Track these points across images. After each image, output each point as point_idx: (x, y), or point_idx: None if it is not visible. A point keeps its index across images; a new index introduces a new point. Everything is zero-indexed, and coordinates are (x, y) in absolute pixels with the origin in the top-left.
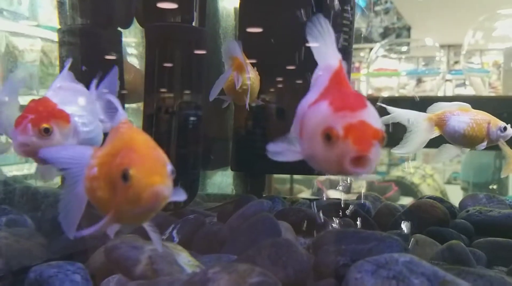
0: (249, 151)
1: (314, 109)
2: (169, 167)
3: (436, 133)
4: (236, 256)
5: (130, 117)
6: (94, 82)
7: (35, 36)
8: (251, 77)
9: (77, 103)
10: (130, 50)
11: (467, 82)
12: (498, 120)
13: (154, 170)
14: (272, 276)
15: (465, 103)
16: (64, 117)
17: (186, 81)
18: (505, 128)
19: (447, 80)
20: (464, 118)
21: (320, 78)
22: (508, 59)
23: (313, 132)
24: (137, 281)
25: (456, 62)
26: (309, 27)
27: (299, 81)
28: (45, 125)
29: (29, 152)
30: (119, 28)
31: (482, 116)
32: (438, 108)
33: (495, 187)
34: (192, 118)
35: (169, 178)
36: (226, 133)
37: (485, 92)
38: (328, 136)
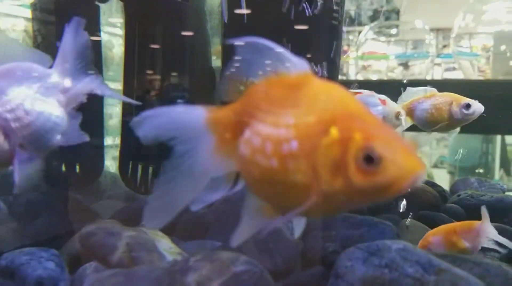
0: None
1: None
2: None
3: (409, 123)
4: (221, 243)
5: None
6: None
7: (18, 16)
8: None
9: (13, 88)
10: (115, 31)
11: (456, 66)
12: (462, 98)
13: (404, 148)
14: (258, 264)
15: (431, 88)
16: None
17: (169, 59)
18: (468, 105)
19: (436, 64)
20: (425, 105)
21: None
22: (498, 43)
23: None
24: (114, 269)
25: (444, 46)
26: None
27: None
28: None
29: None
30: (96, 3)
31: (444, 99)
32: (409, 94)
33: (481, 171)
34: (176, 99)
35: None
36: None
37: (474, 76)
38: None
